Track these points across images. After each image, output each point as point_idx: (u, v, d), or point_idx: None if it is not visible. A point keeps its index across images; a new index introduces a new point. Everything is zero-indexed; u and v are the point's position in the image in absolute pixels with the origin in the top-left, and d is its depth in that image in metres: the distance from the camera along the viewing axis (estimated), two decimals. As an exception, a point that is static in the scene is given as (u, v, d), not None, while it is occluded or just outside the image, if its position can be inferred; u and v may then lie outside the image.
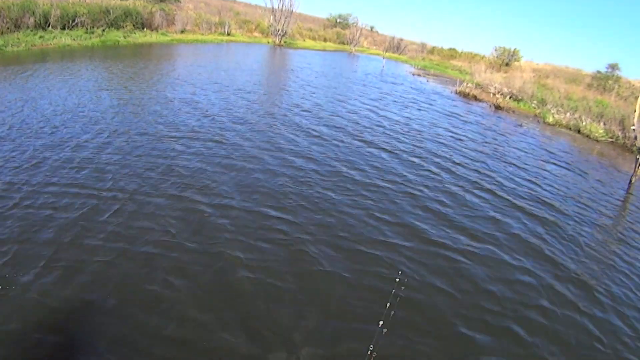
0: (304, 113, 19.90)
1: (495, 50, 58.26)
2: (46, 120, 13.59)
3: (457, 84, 36.78)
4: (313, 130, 17.07)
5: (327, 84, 30.38)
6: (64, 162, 10.75)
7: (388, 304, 5.01)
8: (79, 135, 12.75)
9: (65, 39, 30.05)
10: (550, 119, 27.47)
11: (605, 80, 45.05)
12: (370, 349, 4.88)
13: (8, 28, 27.82)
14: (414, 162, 14.77)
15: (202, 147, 13.05)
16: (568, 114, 28.05)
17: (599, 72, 47.55)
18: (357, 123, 19.36)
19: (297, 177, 11.88)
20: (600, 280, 8.96)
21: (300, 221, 9.36)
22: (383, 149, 15.79)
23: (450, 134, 19.83)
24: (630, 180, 15.96)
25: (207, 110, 17.40)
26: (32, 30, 29.06)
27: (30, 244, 7.39)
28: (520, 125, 24.98)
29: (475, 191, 12.81)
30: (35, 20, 29.70)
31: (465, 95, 33.56)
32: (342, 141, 16.06)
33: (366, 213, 10.13)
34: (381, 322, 4.98)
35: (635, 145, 17.54)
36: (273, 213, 9.49)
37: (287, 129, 16.62)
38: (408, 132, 19.18)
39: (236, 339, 5.95)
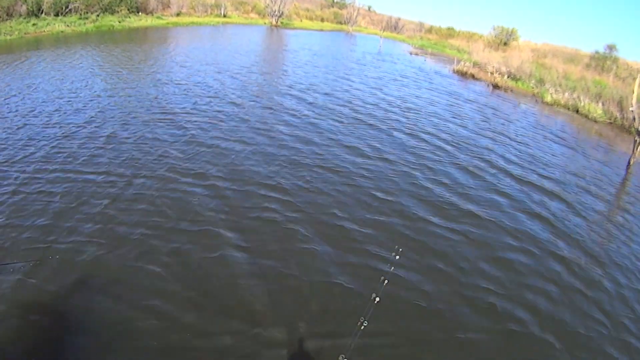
0: (303, 92, 19.60)
1: (494, 29, 57.34)
2: (41, 106, 13.43)
3: (455, 62, 36.22)
4: (313, 109, 16.86)
5: (325, 63, 29.88)
6: (58, 147, 10.57)
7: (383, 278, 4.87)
8: (73, 120, 12.69)
9: (59, 25, 29.43)
10: (548, 99, 27.11)
11: (604, 60, 44.47)
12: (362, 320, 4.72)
13: (0, 17, 27.12)
14: (415, 139, 14.63)
15: (200, 128, 13.00)
16: (566, 93, 27.69)
17: (597, 52, 46.96)
18: (356, 102, 19.10)
19: (296, 156, 11.75)
20: (603, 247, 9.05)
21: (297, 200, 9.26)
22: (383, 128, 15.57)
23: (449, 112, 19.58)
24: (629, 162, 15.74)
25: (204, 92, 17.32)
26: (24, 18, 28.47)
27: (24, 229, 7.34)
28: (519, 105, 24.68)
29: (476, 165, 12.75)
30: (27, 8, 29.07)
31: (463, 74, 33.09)
32: (342, 120, 15.84)
33: (365, 190, 10.06)
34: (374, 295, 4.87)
35: (633, 126, 17.31)
36: (271, 194, 9.36)
37: (285, 109, 16.37)
38: (407, 110, 18.94)
39: (231, 314, 5.88)
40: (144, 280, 6.35)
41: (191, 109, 14.70)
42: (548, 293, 7.30)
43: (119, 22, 34.74)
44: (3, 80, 15.88)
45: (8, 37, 24.43)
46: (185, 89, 17.37)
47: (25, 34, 26.12)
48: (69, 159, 9.96)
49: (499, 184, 11.64)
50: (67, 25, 29.98)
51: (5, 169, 9.29)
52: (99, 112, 13.37)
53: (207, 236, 7.58)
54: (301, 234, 7.95)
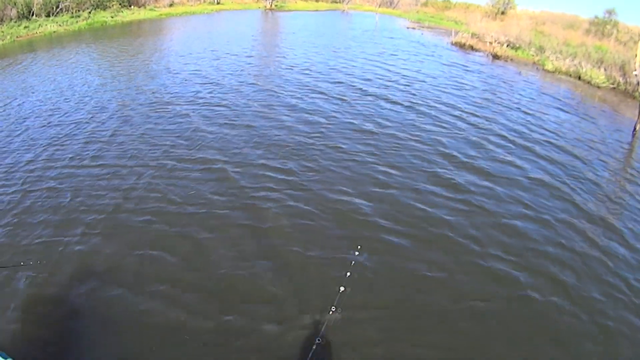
0: (306, 72, 19.63)
1: (491, -1, 56.34)
2: (41, 107, 13.58)
3: (453, 34, 35.57)
4: (317, 87, 16.95)
5: (323, 43, 29.56)
6: (63, 146, 10.70)
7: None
8: (74, 118, 12.71)
9: (51, 26, 29.31)
10: (549, 66, 26.67)
11: (604, 25, 43.66)
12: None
13: (-10, 22, 26.85)
14: (418, 113, 14.61)
15: (202, 115, 13.13)
16: (567, 60, 27.23)
17: (596, 17, 46.13)
18: (357, 77, 19.14)
19: (302, 135, 11.82)
20: (615, 214, 8.99)
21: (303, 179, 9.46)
22: (391, 101, 15.64)
23: (451, 84, 19.39)
24: (635, 127, 15.49)
25: (204, 80, 17.41)
26: (15, 22, 28.32)
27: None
28: (520, 73, 24.29)
29: (486, 136, 12.78)
30: (17, 11, 28.87)
31: (461, 46, 32.51)
32: (346, 96, 15.91)
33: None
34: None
35: (637, 91, 17.03)
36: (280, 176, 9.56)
37: (287, 90, 16.37)
38: (409, 83, 18.85)
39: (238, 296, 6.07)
40: (156, 268, 6.53)
41: (192, 97, 14.84)
42: (560, 259, 7.31)
43: (112, 17, 34.58)
44: (1, 84, 15.82)
45: (1, 42, 24.26)
46: (184, 78, 17.45)
47: (17, 37, 26.09)
48: (75, 157, 10.13)
49: (503, 153, 11.61)
50: (60, 25, 29.82)
51: (13, 169, 9.52)
52: (98, 108, 13.45)
53: (217, 218, 7.78)
54: (309, 211, 8.13)
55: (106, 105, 13.72)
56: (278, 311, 5.83)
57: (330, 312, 5.72)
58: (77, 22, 31.52)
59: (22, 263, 6.40)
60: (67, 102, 14.02)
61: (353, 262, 6.76)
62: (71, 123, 12.19)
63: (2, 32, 25.76)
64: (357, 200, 8.58)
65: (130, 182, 8.97)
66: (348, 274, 6.50)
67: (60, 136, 11.28)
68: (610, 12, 46.97)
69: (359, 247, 7.11)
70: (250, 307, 5.87)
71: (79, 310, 5.76)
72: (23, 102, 13.98)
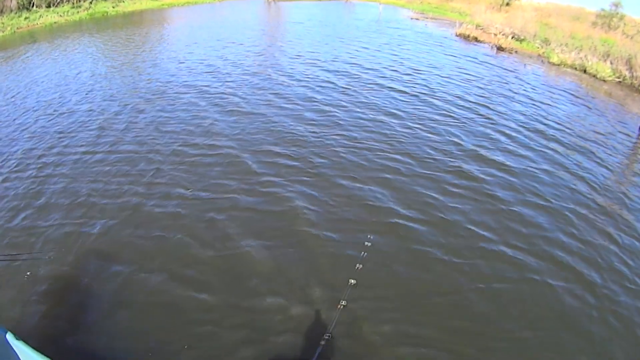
0: (314, 62, 19.58)
1: (496, -11, 55.56)
2: (50, 98, 13.60)
3: (457, 25, 35.04)
4: (326, 76, 16.92)
5: (327, 33, 29.43)
6: (75, 137, 10.79)
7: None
8: (81, 107, 12.79)
9: (51, 16, 29.08)
10: (554, 59, 26.24)
11: (610, 18, 43.05)
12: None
13: (-10, 14, 26.74)
14: (431, 101, 14.69)
15: (215, 104, 13.18)
16: (573, 53, 26.80)
17: (603, 10, 45.49)
18: (365, 67, 19.07)
19: (313, 124, 11.85)
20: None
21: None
22: (399, 90, 15.73)
23: (458, 74, 19.25)
24: (641, 124, 15.21)
25: (212, 69, 17.39)
26: (16, 13, 28.10)
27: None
28: (525, 66, 23.89)
29: (494, 126, 12.86)
30: (18, 2, 28.71)
31: (465, 37, 32.00)
32: (354, 85, 15.94)
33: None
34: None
35: (645, 85, 16.71)
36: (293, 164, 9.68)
37: (299, 76, 16.61)
38: (416, 73, 18.77)
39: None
40: (169, 249, 6.80)
41: (201, 85, 14.95)
42: (569, 246, 7.49)
43: (113, 7, 34.24)
44: (6, 77, 15.70)
45: (1, 34, 23.98)
46: (191, 67, 17.51)
47: (17, 28, 25.97)
48: (89, 144, 10.37)
49: (511, 143, 11.67)
50: (60, 16, 29.67)
51: (30, 161, 9.67)
52: (107, 97, 13.59)
53: (229, 202, 8.08)
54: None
55: (115, 95, 13.89)
56: (286, 301, 5.85)
57: (340, 305, 5.74)
58: (78, 12, 31.34)
59: (34, 252, 6.58)
60: (76, 92, 14.17)
61: (364, 253, 6.79)
62: (83, 112, 12.35)
63: (3, 23, 25.59)
64: (368, 187, 8.81)
65: (143, 167, 9.26)
66: (360, 266, 6.52)
67: (72, 125, 11.47)
68: (616, 5, 46.39)
69: (370, 237, 7.18)
70: (259, 295, 5.95)
71: (90, 291, 6.02)
72: (29, 94, 14.02)
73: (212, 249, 6.78)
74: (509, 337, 5.59)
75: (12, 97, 13.56)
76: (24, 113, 12.41)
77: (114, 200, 8.04)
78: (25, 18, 27.53)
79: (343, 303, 5.74)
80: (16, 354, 3.55)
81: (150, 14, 34.66)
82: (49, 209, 7.75)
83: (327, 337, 5.22)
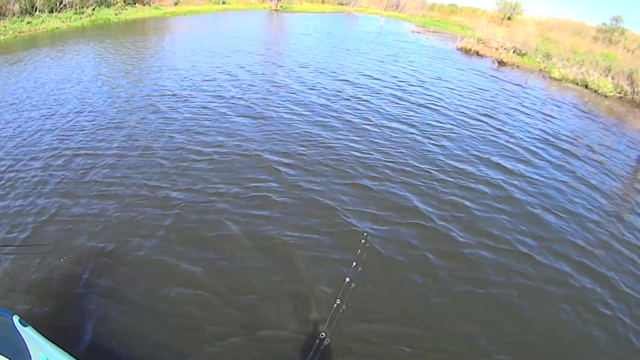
0: (322, 71, 19.89)
1: (497, 4, 56.01)
2: (55, 103, 13.43)
3: (458, 39, 35.23)
4: (332, 86, 17.29)
5: (330, 45, 29.76)
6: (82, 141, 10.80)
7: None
8: (83, 114, 12.65)
9: (54, 22, 28.98)
10: (556, 74, 26.29)
11: (611, 32, 43.27)
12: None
13: (-8, 17, 26.49)
14: (433, 113, 14.81)
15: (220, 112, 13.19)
16: (574, 68, 26.87)
17: (604, 24, 45.69)
18: (371, 78, 19.01)
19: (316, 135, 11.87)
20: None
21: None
22: (406, 101, 16.12)
23: (457, 90, 19.04)
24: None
25: (224, 73, 17.68)
26: (18, 17, 27.90)
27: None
28: (526, 81, 23.86)
29: (497, 137, 12.86)
30: (20, 6, 28.49)
31: (466, 51, 32.16)
32: (359, 95, 16.22)
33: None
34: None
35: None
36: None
37: (306, 86, 16.97)
38: (420, 85, 18.91)
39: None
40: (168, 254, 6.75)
41: (212, 91, 15.30)
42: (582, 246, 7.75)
43: (116, 14, 34.31)
44: (9, 80, 15.71)
45: (2, 37, 24.03)
46: (201, 73, 17.76)
47: (19, 32, 25.67)
48: (107, 141, 10.56)
49: (518, 152, 11.78)
50: (63, 22, 29.52)
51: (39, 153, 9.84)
52: (108, 104, 13.42)
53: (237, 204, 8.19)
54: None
55: (129, 99, 14.02)
56: (283, 301, 5.84)
57: (336, 305, 5.69)
58: (80, 18, 31.24)
59: (36, 245, 6.72)
60: (90, 95, 14.35)
61: (359, 250, 6.88)
62: (96, 115, 12.47)
63: (4, 27, 25.44)
64: (384, 188, 9.07)
65: (148, 167, 9.38)
66: (354, 264, 6.56)
67: (85, 125, 11.61)
68: (617, 19, 46.60)
69: (365, 234, 7.33)
70: (255, 296, 5.92)
71: (91, 283, 6.04)
72: (39, 96, 13.99)
73: (211, 249, 6.84)
74: (507, 340, 5.56)
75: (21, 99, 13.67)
76: (33, 114, 12.43)
77: (121, 192, 8.32)
78: (28, 22, 27.46)
79: (338, 303, 5.74)
80: (22, 337, 3.60)
81: (153, 23, 34.75)
82: (56, 206, 7.80)
83: (322, 337, 5.22)
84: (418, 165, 10.38)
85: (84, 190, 8.31)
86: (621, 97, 23.45)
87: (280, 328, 5.38)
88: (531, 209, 8.88)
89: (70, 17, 30.73)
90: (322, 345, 5.09)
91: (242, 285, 6.07)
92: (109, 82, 15.57)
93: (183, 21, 37.27)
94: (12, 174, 8.84)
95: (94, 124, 11.59)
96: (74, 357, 3.71)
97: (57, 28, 28.15)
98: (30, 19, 28.18)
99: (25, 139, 10.53)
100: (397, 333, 5.45)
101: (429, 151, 11.34)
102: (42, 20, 28.64)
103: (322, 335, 5.22)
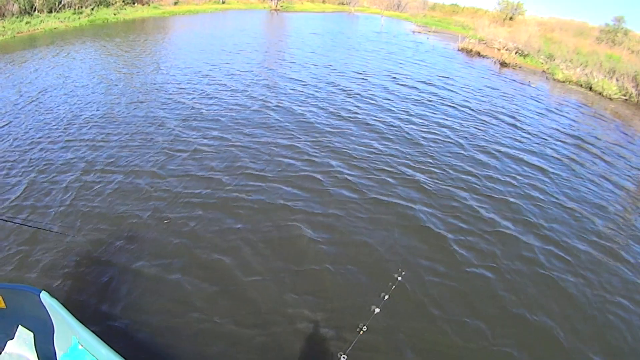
0: (329, 68, 20.07)
1: (499, 4, 55.42)
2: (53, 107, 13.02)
3: (459, 40, 34.66)
4: (342, 84, 17.44)
5: (332, 45, 29.32)
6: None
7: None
8: (88, 112, 12.41)
9: (52, 22, 28.72)
10: (559, 75, 25.70)
11: (614, 33, 42.70)
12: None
13: (-8, 17, 26.14)
14: (437, 114, 14.47)
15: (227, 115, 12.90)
16: (578, 69, 26.30)
17: (607, 25, 45.09)
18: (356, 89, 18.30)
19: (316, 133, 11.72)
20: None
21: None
22: (409, 98, 16.22)
23: (461, 93, 18.48)
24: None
25: (219, 79, 17.05)
26: (17, 17, 27.59)
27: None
28: (529, 84, 23.26)
29: (498, 137, 11.97)
30: (19, 7, 28.20)
31: (468, 52, 31.59)
32: (367, 90, 16.36)
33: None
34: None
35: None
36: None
37: (315, 83, 17.28)
38: (416, 86, 18.42)
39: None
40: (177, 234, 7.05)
41: (224, 88, 15.35)
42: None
43: (114, 14, 34.02)
44: (11, 79, 15.38)
45: (1, 37, 23.70)
46: (210, 70, 17.83)
47: (18, 32, 25.32)
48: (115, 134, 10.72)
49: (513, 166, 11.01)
50: (61, 22, 29.24)
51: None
52: (113, 102, 13.23)
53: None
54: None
55: (137, 95, 14.00)
56: (308, 314, 5.83)
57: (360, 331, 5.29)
58: (79, 18, 31.00)
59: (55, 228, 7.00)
60: (94, 94, 14.10)
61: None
62: (101, 115, 12.22)
63: (3, 27, 25.19)
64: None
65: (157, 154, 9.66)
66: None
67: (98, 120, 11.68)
68: (619, 20, 46.02)
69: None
70: (272, 307, 5.90)
71: (118, 264, 6.28)
72: (50, 95, 13.75)
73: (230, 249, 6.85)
74: None
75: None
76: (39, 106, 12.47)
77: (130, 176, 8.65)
78: (27, 23, 27.24)
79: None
80: (47, 312, 3.70)
81: (153, 22, 34.34)
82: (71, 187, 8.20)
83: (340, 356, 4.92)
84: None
85: (109, 172, 8.81)
86: (626, 99, 22.90)
87: (301, 340, 5.44)
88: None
89: (69, 17, 30.50)
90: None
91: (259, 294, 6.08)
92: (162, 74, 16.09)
93: (184, 21, 36.91)
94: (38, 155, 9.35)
95: (104, 118, 11.70)
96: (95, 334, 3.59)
97: (55, 28, 27.94)
98: (29, 19, 27.94)
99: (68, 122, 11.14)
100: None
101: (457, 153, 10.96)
102: (41, 20, 28.41)
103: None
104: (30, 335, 3.91)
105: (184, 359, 5.02)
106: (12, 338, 3.88)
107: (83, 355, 3.52)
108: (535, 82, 24.14)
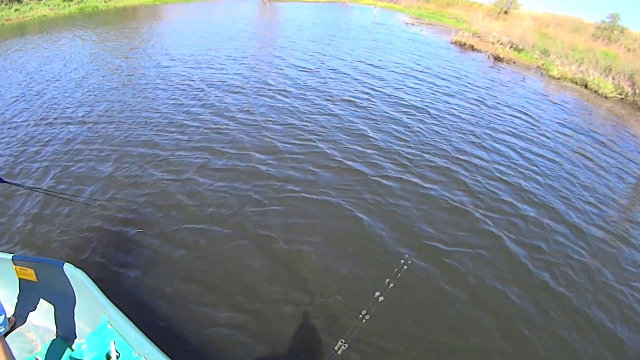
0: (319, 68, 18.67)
1: (494, -3, 54.52)
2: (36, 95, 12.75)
3: (453, 32, 33.68)
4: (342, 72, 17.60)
5: (327, 35, 28.72)
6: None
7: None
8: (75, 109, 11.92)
9: (42, 9, 28.37)
10: (554, 72, 24.90)
11: (610, 30, 42.09)
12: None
13: (-22, 5, 25.73)
14: (427, 115, 13.45)
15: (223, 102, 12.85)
16: (574, 66, 25.54)
17: (603, 21, 44.42)
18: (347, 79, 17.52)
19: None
20: None
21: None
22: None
23: (451, 88, 17.63)
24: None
25: (215, 67, 16.77)
26: (6, 4, 27.01)
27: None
28: (524, 79, 22.46)
29: (491, 137, 11.79)
30: None
31: (462, 45, 30.62)
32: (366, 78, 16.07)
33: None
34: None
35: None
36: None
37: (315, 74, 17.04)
38: (407, 80, 17.67)
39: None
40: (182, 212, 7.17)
41: (223, 78, 15.31)
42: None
43: (105, 1, 33.42)
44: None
45: None
46: (207, 60, 17.79)
47: (6, 20, 24.97)
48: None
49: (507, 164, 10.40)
50: (51, 9, 28.83)
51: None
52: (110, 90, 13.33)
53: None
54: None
55: (137, 82, 14.24)
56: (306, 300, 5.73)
57: (361, 317, 5.41)
58: (68, 6, 30.65)
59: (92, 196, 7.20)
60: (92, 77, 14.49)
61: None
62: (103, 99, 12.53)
63: (-8, 15, 24.52)
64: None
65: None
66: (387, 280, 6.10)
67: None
68: (614, 17, 45.40)
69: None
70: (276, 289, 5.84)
71: (142, 238, 6.38)
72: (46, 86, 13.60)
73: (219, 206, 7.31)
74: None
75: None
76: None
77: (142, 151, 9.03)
78: (16, 10, 26.72)
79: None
80: (74, 287, 3.72)
81: (144, 10, 33.70)
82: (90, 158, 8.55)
83: (340, 343, 4.98)
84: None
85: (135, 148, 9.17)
86: (622, 98, 22.20)
87: (298, 325, 5.35)
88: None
89: (59, 5, 30.11)
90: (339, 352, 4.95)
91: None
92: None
93: (177, 9, 36.35)
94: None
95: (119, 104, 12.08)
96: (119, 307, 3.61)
97: (44, 15, 27.55)
98: (18, 6, 27.50)
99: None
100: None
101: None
102: (30, 8, 28.08)
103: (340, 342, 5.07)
104: (55, 309, 3.89)
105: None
106: (38, 310, 3.89)
107: (112, 335, 3.45)
108: (529, 77, 23.35)
